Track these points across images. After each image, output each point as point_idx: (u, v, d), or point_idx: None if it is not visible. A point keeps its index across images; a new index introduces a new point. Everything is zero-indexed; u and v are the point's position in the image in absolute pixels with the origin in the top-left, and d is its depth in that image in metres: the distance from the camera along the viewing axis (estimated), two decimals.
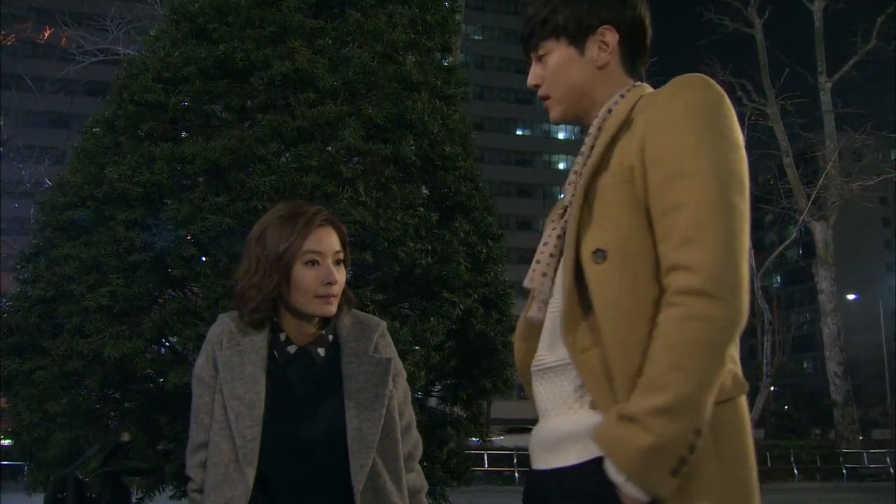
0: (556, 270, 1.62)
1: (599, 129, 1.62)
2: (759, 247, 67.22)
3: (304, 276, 1.98)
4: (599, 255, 1.47)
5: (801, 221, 13.48)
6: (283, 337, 2.07)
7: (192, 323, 3.93)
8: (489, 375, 5.20)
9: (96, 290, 3.99)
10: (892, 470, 21.92)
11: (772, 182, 22.88)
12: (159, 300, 4.17)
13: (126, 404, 4.31)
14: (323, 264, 1.99)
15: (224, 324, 2.10)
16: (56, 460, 4.06)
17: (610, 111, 1.63)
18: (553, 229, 1.64)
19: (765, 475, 20.48)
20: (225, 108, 4.62)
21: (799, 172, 22.03)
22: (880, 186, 22.51)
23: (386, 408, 2.05)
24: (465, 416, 5.43)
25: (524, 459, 19.53)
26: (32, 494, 4.31)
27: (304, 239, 1.98)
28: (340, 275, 2.03)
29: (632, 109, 1.58)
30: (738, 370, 1.50)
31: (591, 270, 1.47)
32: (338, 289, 2.01)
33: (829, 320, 22.53)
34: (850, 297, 47.03)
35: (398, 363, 2.18)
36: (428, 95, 4.80)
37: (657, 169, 1.46)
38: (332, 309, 2.02)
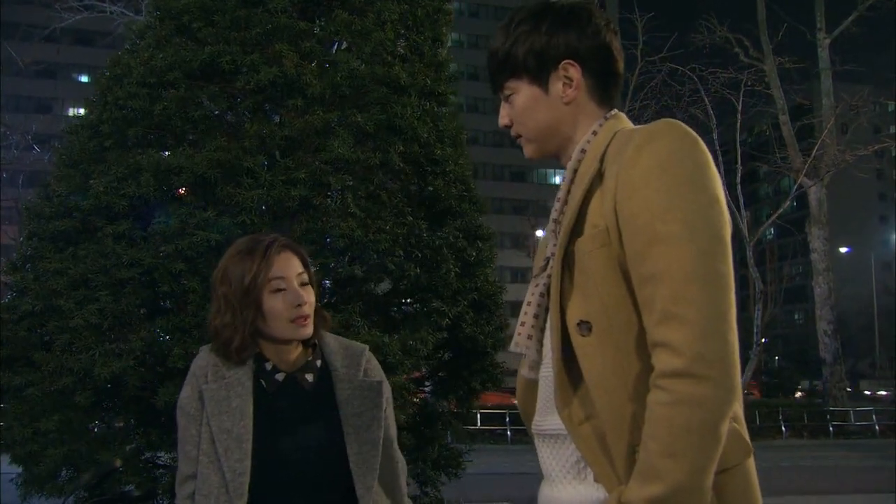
0: (541, 331, 1.60)
1: (575, 171, 1.58)
2: (753, 199, 67.35)
3: (273, 304, 2.00)
4: (584, 327, 1.45)
5: (795, 189, 13.43)
6: (269, 366, 2.08)
7: (182, 340, 3.93)
8: (479, 375, 5.24)
9: (85, 306, 3.98)
10: (877, 427, 22.32)
11: (767, 133, 22.72)
12: (142, 312, 4.15)
13: (117, 421, 4.33)
14: (289, 288, 2.01)
15: (208, 356, 2.10)
16: (49, 474, 4.11)
17: (584, 151, 1.59)
18: (536, 286, 1.61)
19: (753, 433, 20.69)
20: (212, 112, 4.53)
21: (795, 130, 21.89)
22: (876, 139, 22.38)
23: (383, 428, 2.09)
24: (455, 411, 5.49)
25: (516, 418, 19.76)
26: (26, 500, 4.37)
27: (266, 268, 2.00)
28: (309, 295, 2.04)
29: (603, 156, 1.52)
30: (743, 429, 1.46)
31: (578, 343, 1.46)
32: (308, 309, 2.03)
33: (820, 279, 22.58)
34: (843, 249, 47.25)
35: (386, 384, 2.21)
36: (417, 98, 4.73)
37: (632, 233, 1.40)
38: (308, 331, 2.04)
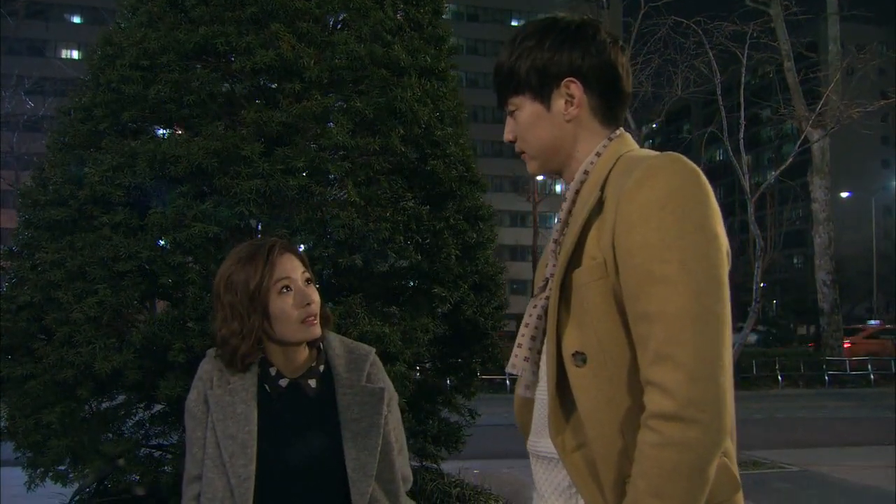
0: (538, 353, 1.62)
1: (577, 192, 1.59)
2: (754, 142, 66.82)
3: (282, 305, 2.01)
4: (579, 358, 1.47)
5: (798, 144, 13.26)
6: (273, 371, 2.10)
7: (182, 333, 3.92)
8: (479, 355, 5.26)
9: (83, 299, 3.95)
10: (872, 376, 22.58)
11: (771, 76, 22.39)
12: (142, 305, 4.13)
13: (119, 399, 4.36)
14: (295, 288, 2.02)
15: (213, 361, 2.12)
16: (53, 463, 4.14)
17: (586, 173, 1.59)
18: (534, 307, 1.63)
19: (750, 382, 21.11)
20: (208, 93, 4.43)
21: (799, 77, 21.56)
22: (881, 80, 21.99)
23: (381, 435, 2.11)
24: (455, 385, 5.52)
25: None
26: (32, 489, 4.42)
27: (271, 270, 2.01)
28: (314, 294, 2.06)
29: (605, 184, 1.52)
30: (733, 465, 1.48)
31: (573, 374, 1.48)
32: (316, 307, 2.04)
33: (820, 229, 22.56)
34: (844, 194, 47.08)
35: (390, 388, 2.23)
36: (418, 78, 4.62)
37: (629, 270, 1.41)
38: (317, 331, 2.06)
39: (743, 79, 11.99)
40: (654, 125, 24.05)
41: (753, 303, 12.05)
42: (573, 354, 1.47)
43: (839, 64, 18.91)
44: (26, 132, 33.32)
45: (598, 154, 1.58)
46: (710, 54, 11.83)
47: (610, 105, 1.61)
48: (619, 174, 1.50)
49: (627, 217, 1.42)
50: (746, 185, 11.80)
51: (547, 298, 1.57)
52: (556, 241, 1.60)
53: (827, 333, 22.77)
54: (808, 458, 9.90)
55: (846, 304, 36.92)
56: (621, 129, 1.64)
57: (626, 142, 1.60)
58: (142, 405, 4.70)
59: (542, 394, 1.59)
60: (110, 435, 4.50)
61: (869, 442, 11.33)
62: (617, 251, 1.43)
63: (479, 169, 5.25)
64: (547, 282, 1.60)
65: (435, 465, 5.67)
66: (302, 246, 4.14)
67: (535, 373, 1.62)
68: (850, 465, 9.39)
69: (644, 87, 15.04)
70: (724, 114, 11.97)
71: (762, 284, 12.21)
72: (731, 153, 12.12)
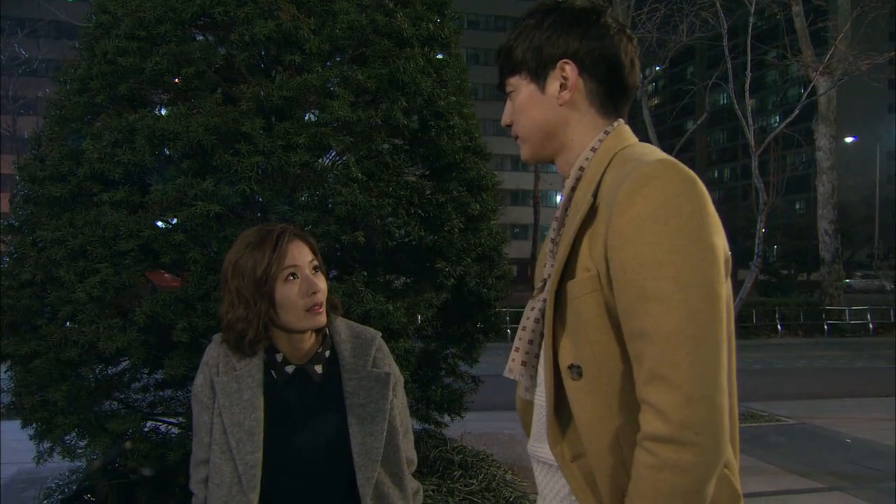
0: (536, 357, 1.60)
1: (573, 189, 1.55)
2: (760, 85, 65.83)
3: (287, 293, 2.00)
4: (575, 371, 1.45)
5: (805, 95, 13.05)
6: (279, 357, 2.11)
7: (185, 313, 3.90)
8: (482, 324, 5.27)
9: (85, 279, 3.93)
10: (871, 325, 22.69)
11: (778, 18, 22.01)
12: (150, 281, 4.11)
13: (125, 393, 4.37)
14: (302, 276, 2.02)
15: (219, 346, 2.12)
16: (60, 439, 4.18)
17: (582, 169, 1.54)
18: (532, 308, 1.61)
19: (749, 331, 21.23)
20: (206, 66, 4.33)
21: (808, 21, 21.13)
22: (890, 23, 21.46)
23: (387, 420, 2.12)
24: (458, 353, 5.54)
25: (516, 316, 20.05)
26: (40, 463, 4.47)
27: (279, 257, 2.00)
28: (321, 282, 2.05)
29: (598, 188, 1.47)
30: (734, 476, 1.47)
31: (569, 386, 1.47)
32: (322, 296, 2.04)
33: (824, 178, 22.39)
34: (848, 140, 46.59)
35: (396, 372, 2.23)
36: (420, 48, 4.51)
37: (623, 286, 1.36)
38: (323, 319, 2.05)
39: (750, 29, 11.72)
40: (657, 68, 23.67)
41: (755, 257, 12.02)
42: (569, 367, 1.45)
43: (849, 9, 18.50)
44: (22, 77, 32.97)
45: (594, 149, 1.53)
46: (717, 3, 11.59)
47: (609, 94, 1.55)
48: (613, 177, 1.45)
49: (620, 231, 1.36)
50: (751, 137, 11.65)
51: (544, 301, 1.54)
52: (553, 241, 1.57)
53: (828, 282, 22.80)
54: (805, 410, 9.98)
55: (847, 251, 36.89)
56: (620, 120, 1.57)
57: (623, 136, 1.54)
58: (146, 371, 4.72)
59: (541, 399, 1.58)
60: (115, 404, 4.53)
61: (867, 393, 11.39)
62: (610, 265, 1.38)
63: (478, 111, 5.18)
64: (545, 282, 1.57)
65: (437, 430, 5.72)
66: (301, 214, 4.10)
67: (533, 377, 1.60)
68: (848, 417, 9.47)
69: (649, 35, 14.76)
70: (729, 63, 11.76)
71: (763, 230, 12.13)
72: (736, 102, 11.94)
